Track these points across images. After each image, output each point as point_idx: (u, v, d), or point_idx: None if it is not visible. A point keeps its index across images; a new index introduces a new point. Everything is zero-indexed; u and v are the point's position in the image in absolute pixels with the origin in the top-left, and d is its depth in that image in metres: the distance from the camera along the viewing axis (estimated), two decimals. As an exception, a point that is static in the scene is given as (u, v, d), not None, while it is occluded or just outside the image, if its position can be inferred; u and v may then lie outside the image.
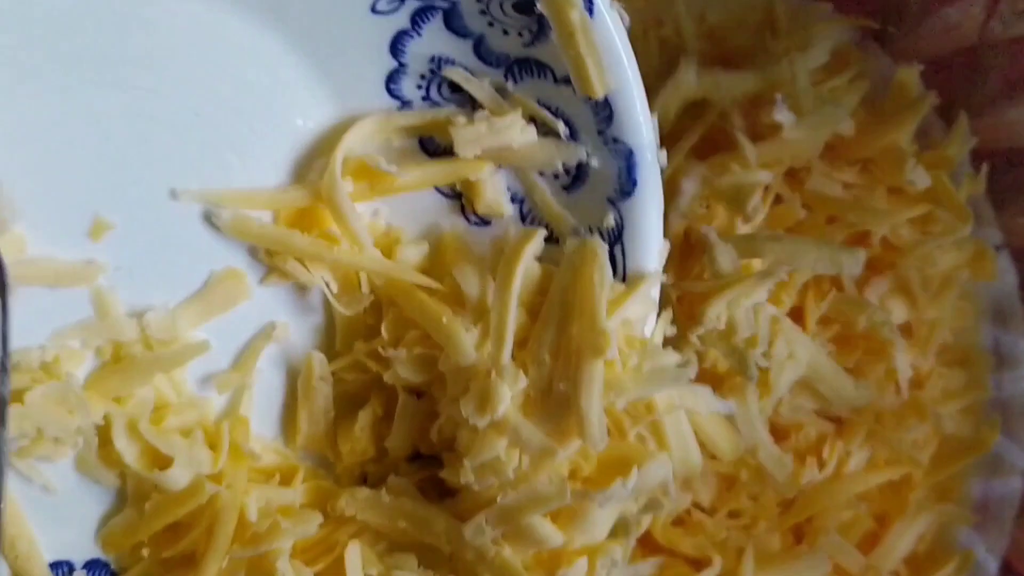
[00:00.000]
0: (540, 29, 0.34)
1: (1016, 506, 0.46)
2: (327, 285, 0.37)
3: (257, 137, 0.36)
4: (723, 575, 0.42)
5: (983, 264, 0.45)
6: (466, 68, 0.35)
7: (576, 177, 0.36)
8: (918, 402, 0.44)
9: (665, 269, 0.37)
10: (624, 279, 0.36)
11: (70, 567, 0.38)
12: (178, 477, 0.36)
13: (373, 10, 0.34)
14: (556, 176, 0.36)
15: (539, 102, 0.35)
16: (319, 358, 0.38)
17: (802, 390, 0.42)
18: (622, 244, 0.36)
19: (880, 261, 0.44)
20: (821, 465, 0.43)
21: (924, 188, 0.43)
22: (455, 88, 0.36)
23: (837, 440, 0.43)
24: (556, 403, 0.35)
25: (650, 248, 0.36)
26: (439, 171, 0.36)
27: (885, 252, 0.44)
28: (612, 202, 0.36)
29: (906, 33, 0.47)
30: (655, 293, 0.37)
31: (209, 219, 0.36)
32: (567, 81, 0.34)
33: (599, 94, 0.33)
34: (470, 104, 0.36)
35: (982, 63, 0.45)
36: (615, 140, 0.35)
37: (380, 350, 0.37)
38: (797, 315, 0.42)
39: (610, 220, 0.36)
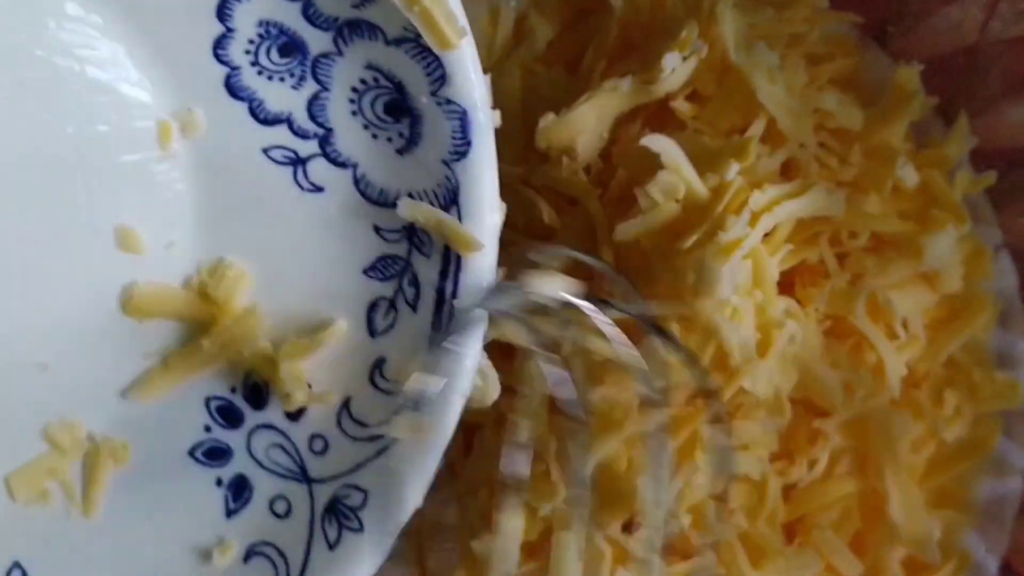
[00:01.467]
0: (370, -12, 0.33)
1: (1016, 506, 0.45)
2: None
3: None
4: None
5: (980, 263, 0.45)
6: (295, 30, 0.35)
7: (409, 140, 0.36)
8: (913, 401, 0.44)
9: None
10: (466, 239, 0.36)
11: None
12: None
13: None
14: (390, 140, 0.36)
15: (370, 65, 0.35)
16: None
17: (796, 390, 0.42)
18: (458, 206, 0.36)
19: (877, 257, 0.43)
20: (811, 464, 0.43)
21: (915, 186, 0.43)
22: (285, 52, 0.35)
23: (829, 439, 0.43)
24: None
25: (486, 206, 0.36)
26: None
27: (881, 248, 0.43)
28: (447, 164, 0.36)
29: (906, 32, 0.46)
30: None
31: None
32: (398, 42, 0.34)
33: (455, 43, 0.33)
34: (300, 66, 0.35)
35: (982, 63, 0.45)
36: (448, 101, 0.35)
37: None
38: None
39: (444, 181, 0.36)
